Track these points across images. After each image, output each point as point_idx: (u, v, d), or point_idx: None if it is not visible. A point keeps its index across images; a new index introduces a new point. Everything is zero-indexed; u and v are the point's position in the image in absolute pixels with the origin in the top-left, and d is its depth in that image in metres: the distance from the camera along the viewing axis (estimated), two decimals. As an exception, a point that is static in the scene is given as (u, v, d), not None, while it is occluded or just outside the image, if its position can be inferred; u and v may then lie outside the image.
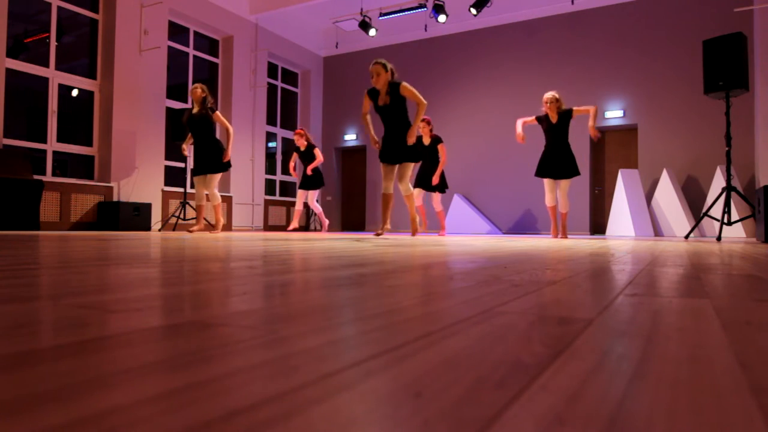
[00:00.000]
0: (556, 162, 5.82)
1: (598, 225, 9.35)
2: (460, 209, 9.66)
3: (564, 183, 5.88)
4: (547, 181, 5.96)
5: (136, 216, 7.32)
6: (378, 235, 5.19)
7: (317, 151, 7.74)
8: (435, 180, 6.85)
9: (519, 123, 6.01)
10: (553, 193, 5.95)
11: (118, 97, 7.66)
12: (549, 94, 5.90)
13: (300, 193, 7.81)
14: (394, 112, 4.93)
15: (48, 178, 6.98)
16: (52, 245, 2.51)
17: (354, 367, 0.41)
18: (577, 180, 9.19)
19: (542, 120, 5.91)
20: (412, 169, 5.08)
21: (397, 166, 5.04)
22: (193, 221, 8.65)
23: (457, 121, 10.29)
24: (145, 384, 0.36)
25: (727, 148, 5.12)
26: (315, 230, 11.09)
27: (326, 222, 8.17)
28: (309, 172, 7.68)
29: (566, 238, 5.87)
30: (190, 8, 8.80)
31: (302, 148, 7.79)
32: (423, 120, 7.04)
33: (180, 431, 0.27)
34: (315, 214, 11.42)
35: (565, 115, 5.78)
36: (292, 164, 7.89)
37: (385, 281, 1.07)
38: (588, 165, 9.19)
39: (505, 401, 0.34)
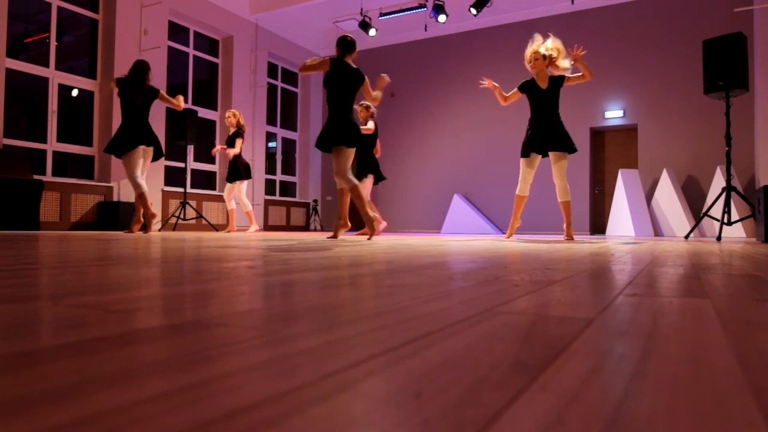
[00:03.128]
0: (545, 134, 4.73)
1: (598, 225, 9.35)
2: (460, 209, 9.66)
3: (559, 163, 4.74)
4: (526, 163, 4.89)
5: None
6: (334, 237, 4.54)
7: (238, 141, 7.18)
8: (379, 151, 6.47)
9: (498, 93, 5.05)
10: (529, 180, 4.98)
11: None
12: (540, 47, 4.71)
13: (226, 187, 7.29)
14: (346, 92, 4.51)
15: (48, 178, 6.98)
16: (52, 245, 2.51)
17: (354, 367, 0.41)
18: (577, 180, 9.21)
19: (527, 87, 4.84)
20: (350, 158, 4.53)
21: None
22: (193, 221, 8.64)
23: (456, 120, 10.29)
24: (145, 384, 0.36)
25: (727, 148, 5.12)
26: (314, 230, 11.08)
27: (255, 227, 7.43)
28: (229, 155, 7.19)
29: (572, 239, 4.77)
30: (190, 8, 8.80)
31: (231, 131, 7.25)
32: (362, 105, 6.26)
33: (180, 431, 0.27)
34: (315, 213, 11.38)
35: (557, 81, 4.74)
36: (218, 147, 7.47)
37: (385, 281, 1.07)
38: (588, 165, 9.19)
39: (505, 401, 0.34)
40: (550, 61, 4.75)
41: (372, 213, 4.65)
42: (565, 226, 4.88)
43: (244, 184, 7.29)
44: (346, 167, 4.52)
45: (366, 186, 6.27)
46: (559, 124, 4.79)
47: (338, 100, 4.54)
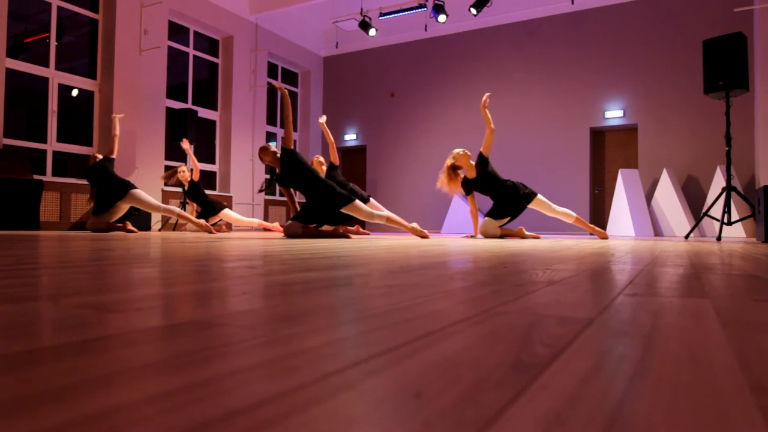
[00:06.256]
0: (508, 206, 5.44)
1: (598, 225, 9.34)
2: (460, 209, 9.66)
3: (541, 206, 5.45)
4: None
5: (136, 216, 7.29)
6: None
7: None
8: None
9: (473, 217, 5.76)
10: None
11: (118, 97, 7.66)
12: (450, 160, 5.52)
13: (233, 215, 7.18)
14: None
15: (48, 178, 6.98)
16: (52, 245, 2.51)
17: (354, 367, 0.41)
18: (577, 180, 9.22)
19: (464, 185, 5.57)
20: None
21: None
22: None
23: (456, 120, 10.29)
24: (145, 384, 0.36)
25: (727, 148, 5.12)
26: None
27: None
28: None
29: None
30: (190, 8, 8.80)
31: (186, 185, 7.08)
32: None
33: (180, 431, 0.27)
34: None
35: (482, 162, 5.45)
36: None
37: (385, 281, 1.07)
38: (588, 165, 9.19)
39: (505, 401, 0.34)
40: (457, 166, 5.57)
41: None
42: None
43: (228, 211, 7.17)
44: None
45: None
46: (505, 193, 5.44)
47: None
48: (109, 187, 5.92)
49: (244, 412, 0.31)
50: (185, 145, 7.29)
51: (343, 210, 4.78)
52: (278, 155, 4.86)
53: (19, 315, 0.63)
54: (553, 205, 5.47)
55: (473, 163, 5.55)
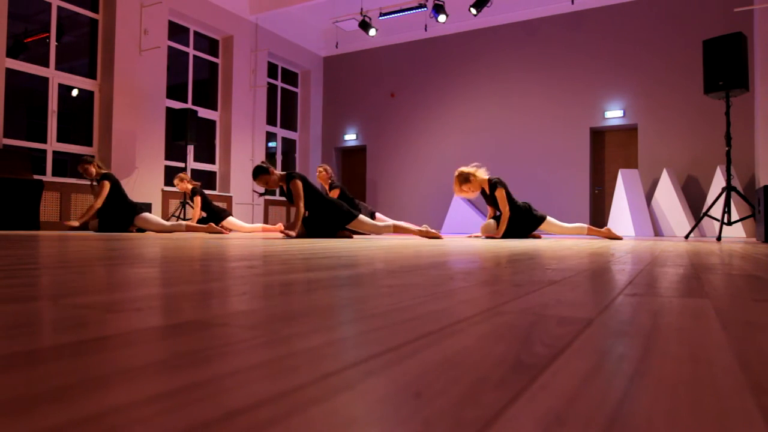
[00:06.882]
0: (518, 226, 5.44)
1: (598, 225, 9.34)
2: (460, 209, 9.66)
3: (551, 227, 5.49)
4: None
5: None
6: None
7: (197, 199, 6.89)
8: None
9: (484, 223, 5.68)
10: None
11: (118, 97, 7.66)
12: (457, 185, 5.52)
13: (235, 222, 7.10)
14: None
15: (48, 178, 6.98)
16: (52, 245, 2.51)
17: (354, 367, 0.41)
18: (577, 180, 9.22)
19: (483, 194, 5.66)
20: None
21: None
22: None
23: (456, 120, 10.29)
24: (145, 384, 0.36)
25: (727, 148, 5.13)
26: None
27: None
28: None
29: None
30: (190, 8, 8.80)
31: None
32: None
33: (180, 431, 0.27)
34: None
35: (493, 185, 5.50)
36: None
37: (384, 281, 1.07)
38: (588, 165, 9.19)
39: (505, 401, 0.34)
40: (467, 184, 5.56)
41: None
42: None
43: (231, 218, 7.17)
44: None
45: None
46: (514, 214, 5.42)
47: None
48: (116, 206, 5.95)
49: (244, 412, 0.31)
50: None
51: (348, 226, 5.07)
52: (281, 175, 5.01)
53: (19, 315, 0.63)
54: (563, 224, 5.48)
55: (483, 177, 5.56)
